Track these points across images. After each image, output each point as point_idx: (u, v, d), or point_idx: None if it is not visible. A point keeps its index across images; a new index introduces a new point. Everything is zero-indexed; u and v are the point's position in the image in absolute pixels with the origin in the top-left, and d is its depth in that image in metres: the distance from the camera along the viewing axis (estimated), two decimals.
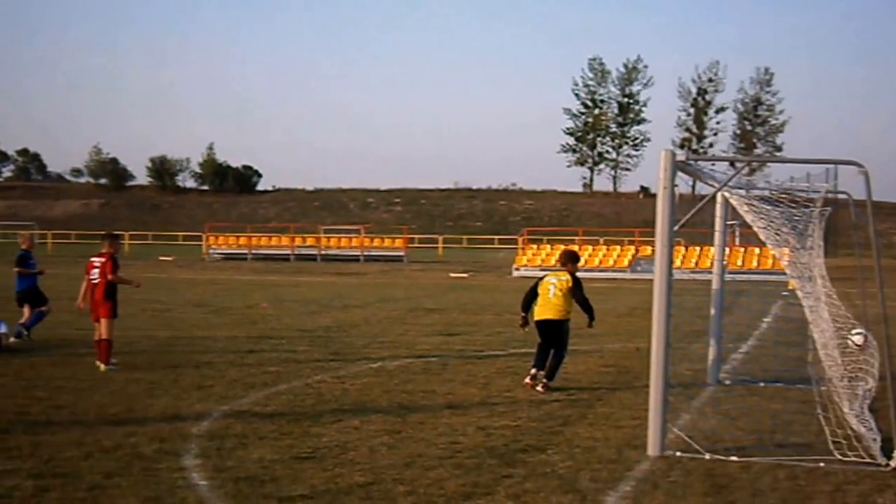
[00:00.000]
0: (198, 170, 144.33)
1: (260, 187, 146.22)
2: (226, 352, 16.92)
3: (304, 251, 69.90)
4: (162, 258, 63.53)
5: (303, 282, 42.99)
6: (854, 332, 12.68)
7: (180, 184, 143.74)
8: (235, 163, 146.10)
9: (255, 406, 11.87)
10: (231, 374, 14.27)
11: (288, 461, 9.09)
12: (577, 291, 13.77)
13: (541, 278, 14.28)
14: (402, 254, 69.36)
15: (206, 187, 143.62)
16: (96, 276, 14.65)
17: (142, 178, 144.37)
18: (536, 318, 13.97)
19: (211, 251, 71.01)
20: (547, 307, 13.84)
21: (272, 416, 11.22)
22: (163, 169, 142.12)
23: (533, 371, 13.66)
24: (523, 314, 14.28)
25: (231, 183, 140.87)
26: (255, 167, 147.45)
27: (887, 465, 9.18)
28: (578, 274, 14.06)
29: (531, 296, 14.13)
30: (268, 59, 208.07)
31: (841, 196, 13.64)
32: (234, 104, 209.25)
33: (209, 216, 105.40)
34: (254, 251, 70.02)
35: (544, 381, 13.43)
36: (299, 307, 27.80)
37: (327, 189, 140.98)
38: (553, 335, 13.80)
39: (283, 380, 13.86)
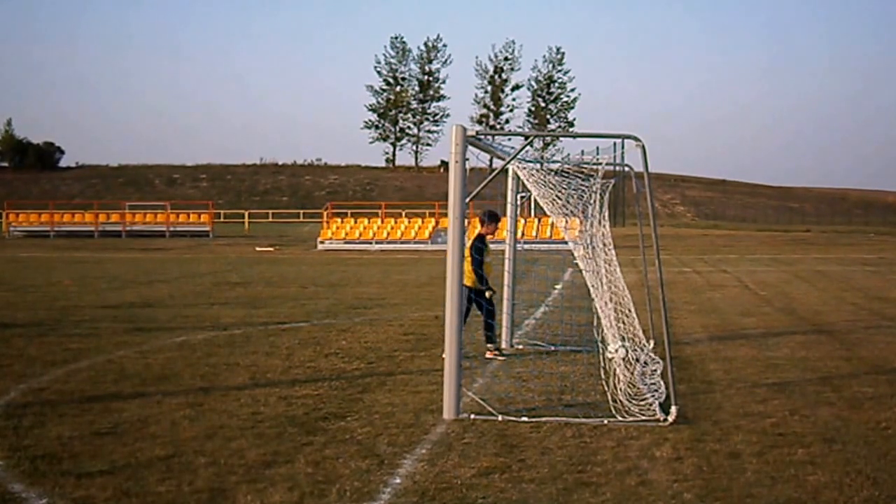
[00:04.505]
0: None
1: (63, 164, 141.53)
2: (26, 329, 16.56)
3: (108, 228, 68.48)
4: None
5: (107, 258, 41.99)
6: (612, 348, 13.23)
7: None
8: (36, 139, 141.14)
9: (54, 383, 11.71)
10: (30, 352, 13.99)
11: (88, 437, 9.05)
12: (472, 254, 13.35)
13: None
14: (207, 229, 68.66)
15: (5, 164, 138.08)
16: None
17: None
18: None
19: (11, 229, 68.55)
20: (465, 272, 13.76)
21: (72, 393, 11.11)
22: None
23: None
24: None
25: (32, 159, 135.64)
26: (58, 144, 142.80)
27: (665, 420, 9.71)
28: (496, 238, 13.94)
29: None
30: (66, 33, 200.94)
31: (625, 168, 14.40)
32: (34, 80, 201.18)
33: (9, 193, 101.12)
34: (56, 228, 67.99)
35: (488, 346, 13.69)
36: (103, 283, 27.23)
37: (132, 165, 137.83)
38: (469, 300, 13.59)
39: (85, 356, 13.68)
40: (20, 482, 7.65)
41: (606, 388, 10.59)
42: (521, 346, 14.68)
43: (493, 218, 13.91)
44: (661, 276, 10.59)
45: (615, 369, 10.98)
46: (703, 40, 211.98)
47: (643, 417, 9.84)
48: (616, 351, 12.43)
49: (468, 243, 13.43)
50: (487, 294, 13.56)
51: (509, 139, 13.29)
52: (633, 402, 10.26)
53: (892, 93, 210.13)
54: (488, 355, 13.58)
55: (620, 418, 9.78)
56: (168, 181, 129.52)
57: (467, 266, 13.43)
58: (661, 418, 9.81)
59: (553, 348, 14.44)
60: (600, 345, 11.67)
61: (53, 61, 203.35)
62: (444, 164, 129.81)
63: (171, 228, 68.38)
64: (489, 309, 13.64)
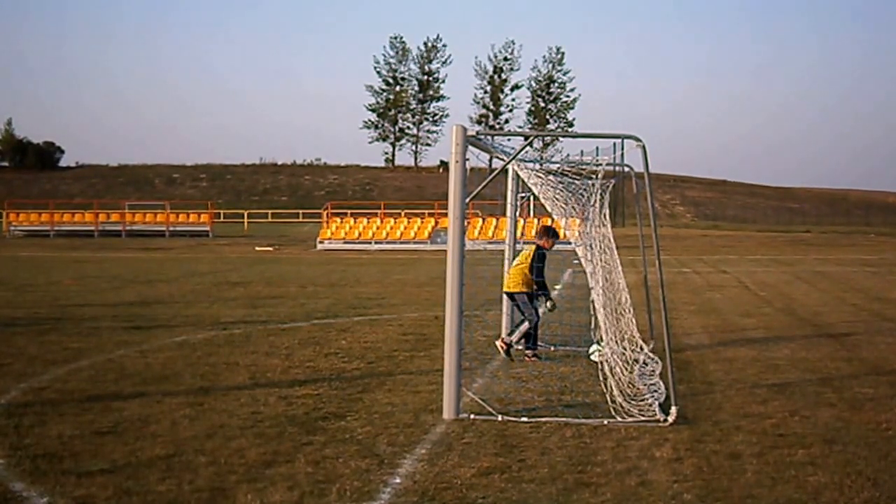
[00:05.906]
0: None
1: (63, 163, 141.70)
2: (26, 328, 16.56)
3: (108, 227, 68.57)
4: None
5: (107, 258, 42.02)
6: (593, 348, 13.23)
7: None
8: (36, 139, 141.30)
9: (55, 382, 11.71)
10: (31, 351, 13.99)
11: (88, 436, 9.04)
12: (532, 266, 13.56)
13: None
14: (207, 229, 68.74)
15: (5, 164, 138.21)
16: None
17: None
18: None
19: (12, 228, 68.57)
20: (508, 278, 13.95)
21: (73, 392, 11.10)
22: None
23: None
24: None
25: (32, 159, 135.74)
26: (58, 143, 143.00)
27: (665, 420, 9.70)
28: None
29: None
30: (67, 33, 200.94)
31: (625, 168, 14.40)
32: (34, 80, 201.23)
33: (9, 193, 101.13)
34: (56, 228, 68.06)
35: (520, 346, 13.79)
36: (103, 283, 27.26)
37: (132, 165, 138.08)
38: (515, 305, 13.92)
39: (85, 355, 13.68)
40: (21, 481, 7.65)
41: (605, 389, 10.60)
42: (520, 346, 14.66)
43: (552, 234, 13.98)
44: (661, 277, 10.59)
45: (609, 369, 10.97)
46: (702, 40, 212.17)
47: (643, 418, 9.82)
48: (597, 352, 12.43)
49: (528, 252, 13.72)
50: (549, 304, 13.64)
51: (509, 139, 13.30)
52: (633, 402, 10.25)
53: (892, 92, 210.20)
54: (527, 360, 13.59)
55: (620, 419, 9.77)
56: (168, 181, 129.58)
57: (517, 274, 13.66)
58: (661, 419, 9.79)
59: (553, 348, 14.44)
60: (598, 344, 11.66)
61: (54, 61, 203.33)
62: (444, 164, 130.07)
63: (171, 228, 68.45)
64: (536, 320, 13.73)
